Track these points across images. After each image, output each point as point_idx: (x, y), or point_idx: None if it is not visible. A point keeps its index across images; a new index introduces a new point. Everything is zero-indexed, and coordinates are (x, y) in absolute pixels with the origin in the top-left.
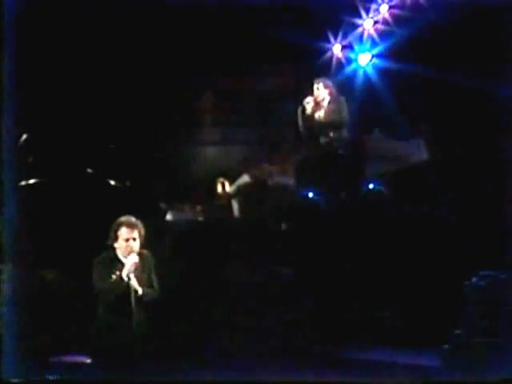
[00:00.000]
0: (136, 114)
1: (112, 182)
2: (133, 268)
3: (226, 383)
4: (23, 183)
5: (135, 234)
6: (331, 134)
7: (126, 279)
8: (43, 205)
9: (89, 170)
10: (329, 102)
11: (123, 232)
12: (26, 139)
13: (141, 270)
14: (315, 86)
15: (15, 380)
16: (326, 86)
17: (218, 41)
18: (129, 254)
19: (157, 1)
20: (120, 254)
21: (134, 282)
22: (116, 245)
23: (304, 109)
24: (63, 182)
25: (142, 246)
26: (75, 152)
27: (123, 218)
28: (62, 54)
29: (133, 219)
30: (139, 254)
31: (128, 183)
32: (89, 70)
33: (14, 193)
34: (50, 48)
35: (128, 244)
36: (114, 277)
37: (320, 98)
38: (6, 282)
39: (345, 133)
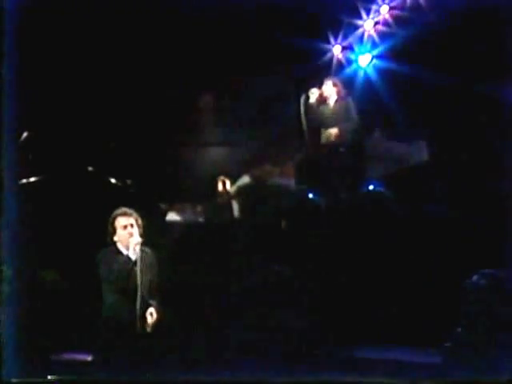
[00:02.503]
0: (136, 113)
1: (113, 182)
2: (137, 249)
3: (226, 383)
4: (23, 182)
5: (131, 220)
6: (333, 135)
7: (132, 258)
8: (44, 204)
9: (89, 170)
10: (336, 101)
11: (120, 221)
12: (26, 138)
13: (144, 265)
14: (324, 82)
15: (15, 380)
16: (334, 84)
17: (219, 41)
18: (129, 238)
19: (157, 1)
20: (121, 246)
21: (140, 264)
22: (115, 238)
23: (307, 98)
24: (64, 181)
25: (143, 243)
26: (76, 152)
27: (117, 210)
28: (63, 52)
29: (126, 209)
30: (141, 251)
31: (129, 183)
32: (90, 69)
33: (14, 192)
34: (50, 46)
35: (127, 231)
36: (120, 261)
37: (326, 93)
38: (6, 283)
39: (346, 133)
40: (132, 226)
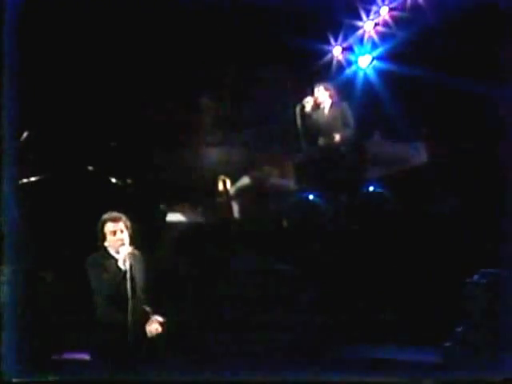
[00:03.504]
0: (136, 114)
1: (113, 183)
2: (128, 258)
3: (226, 383)
4: (23, 182)
5: (121, 225)
6: (331, 137)
7: (122, 268)
8: (44, 205)
9: (90, 170)
10: (330, 106)
11: (109, 226)
12: (26, 138)
13: (136, 273)
14: (316, 89)
15: (15, 380)
16: (326, 89)
17: (219, 42)
18: (120, 246)
19: (157, 1)
20: (112, 251)
21: (130, 274)
22: (106, 243)
23: (303, 107)
24: (64, 181)
25: (133, 243)
26: (76, 152)
27: (106, 215)
28: (63, 51)
29: (115, 213)
30: (131, 254)
31: (129, 183)
32: (90, 68)
33: (14, 192)
34: (51, 45)
35: (116, 237)
36: (111, 269)
37: (320, 99)
38: (6, 283)
39: (345, 135)
40: (122, 231)
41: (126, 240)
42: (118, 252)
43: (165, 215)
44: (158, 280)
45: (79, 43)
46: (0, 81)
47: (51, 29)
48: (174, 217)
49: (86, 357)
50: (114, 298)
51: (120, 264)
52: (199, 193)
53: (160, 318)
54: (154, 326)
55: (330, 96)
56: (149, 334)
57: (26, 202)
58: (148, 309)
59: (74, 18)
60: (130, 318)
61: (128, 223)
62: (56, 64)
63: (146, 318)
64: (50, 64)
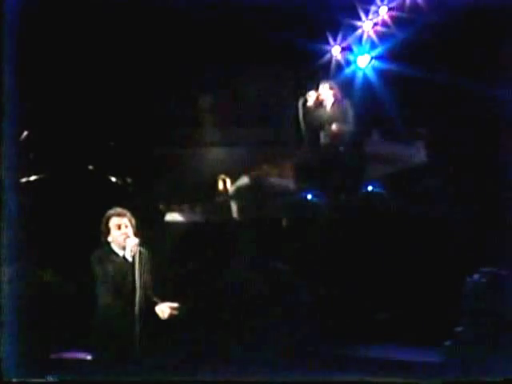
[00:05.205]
0: (136, 113)
1: (113, 181)
2: (135, 249)
3: (226, 383)
4: (24, 182)
5: (125, 220)
6: (332, 136)
7: (129, 259)
8: (44, 204)
9: (90, 170)
10: (332, 104)
11: (114, 220)
12: (26, 137)
13: (142, 265)
14: (320, 86)
15: (15, 380)
16: (331, 88)
17: (218, 41)
18: (125, 239)
19: (158, 1)
20: (116, 246)
21: (138, 264)
22: (110, 238)
23: (305, 101)
24: (64, 181)
25: (139, 243)
26: (76, 151)
27: (111, 210)
28: (63, 51)
29: (120, 209)
30: (137, 246)
31: (129, 182)
32: (90, 68)
33: (14, 192)
34: (51, 45)
35: (121, 231)
36: (117, 262)
37: (323, 96)
38: (6, 283)
39: (345, 135)
40: (126, 226)
41: (131, 233)
42: (121, 247)
43: (164, 214)
44: (162, 278)
45: (79, 43)
46: (0, 81)
47: (51, 29)
48: (173, 216)
49: (86, 356)
50: (122, 289)
51: (127, 255)
52: (200, 192)
53: (171, 304)
54: (165, 310)
55: (334, 95)
56: (161, 317)
57: (25, 202)
58: (155, 299)
59: (74, 19)
60: (137, 308)
61: (133, 220)
62: (56, 64)
63: (153, 309)
64: (51, 64)
